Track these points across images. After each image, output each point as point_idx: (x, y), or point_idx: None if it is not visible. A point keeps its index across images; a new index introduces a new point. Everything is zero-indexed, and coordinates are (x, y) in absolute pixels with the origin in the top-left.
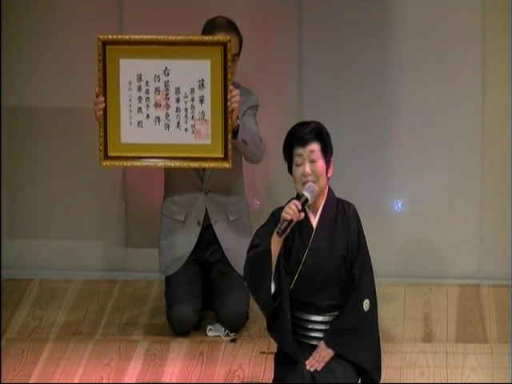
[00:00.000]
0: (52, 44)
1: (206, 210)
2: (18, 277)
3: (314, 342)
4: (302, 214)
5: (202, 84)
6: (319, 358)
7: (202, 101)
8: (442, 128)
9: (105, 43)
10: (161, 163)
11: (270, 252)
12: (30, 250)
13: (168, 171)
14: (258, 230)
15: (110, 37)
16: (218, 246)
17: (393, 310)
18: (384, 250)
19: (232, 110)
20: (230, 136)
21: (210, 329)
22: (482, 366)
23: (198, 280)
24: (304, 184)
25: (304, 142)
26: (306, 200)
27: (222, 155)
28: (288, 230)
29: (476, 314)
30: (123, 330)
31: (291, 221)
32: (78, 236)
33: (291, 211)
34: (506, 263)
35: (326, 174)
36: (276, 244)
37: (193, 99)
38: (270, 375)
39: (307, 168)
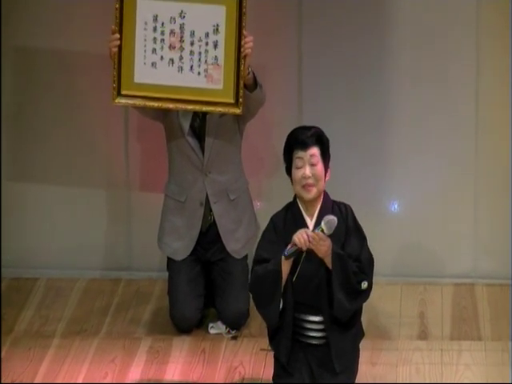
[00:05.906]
0: None
1: (207, 190)
2: (24, 276)
3: (314, 342)
4: None
5: (217, 29)
6: (314, 236)
7: (215, 46)
8: (437, 129)
9: None
10: (172, 105)
11: (281, 272)
12: (37, 250)
13: (171, 153)
14: (259, 241)
15: None
16: (220, 245)
17: (389, 309)
18: (380, 250)
19: (245, 56)
20: (241, 82)
21: (212, 326)
22: (475, 363)
23: (200, 279)
24: (304, 186)
25: (305, 146)
26: (322, 232)
27: (233, 101)
28: (295, 255)
29: (470, 312)
30: (127, 327)
31: (300, 248)
32: (84, 236)
33: (302, 240)
34: (500, 263)
35: (324, 177)
36: (286, 264)
37: (207, 43)
38: (270, 372)
39: (307, 171)
